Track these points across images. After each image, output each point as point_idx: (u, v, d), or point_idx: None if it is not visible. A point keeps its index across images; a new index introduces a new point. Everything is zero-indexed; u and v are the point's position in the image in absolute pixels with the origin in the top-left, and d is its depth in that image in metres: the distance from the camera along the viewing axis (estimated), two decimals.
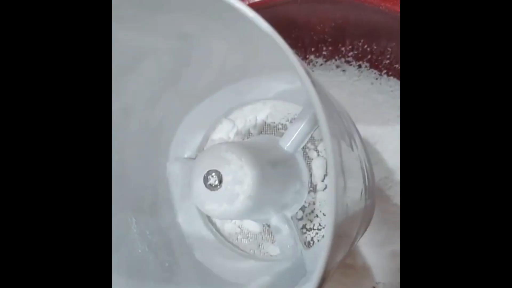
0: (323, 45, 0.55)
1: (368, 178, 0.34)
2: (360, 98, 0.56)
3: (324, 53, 0.56)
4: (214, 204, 0.32)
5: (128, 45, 0.33)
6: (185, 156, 0.43)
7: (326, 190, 0.41)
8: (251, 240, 0.42)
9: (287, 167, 0.38)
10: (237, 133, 0.43)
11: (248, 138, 0.43)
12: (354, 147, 0.32)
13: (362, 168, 0.32)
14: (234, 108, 0.44)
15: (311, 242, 0.40)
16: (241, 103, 0.43)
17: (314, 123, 0.39)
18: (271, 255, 0.42)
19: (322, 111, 0.22)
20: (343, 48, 0.55)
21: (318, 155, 0.41)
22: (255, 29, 0.24)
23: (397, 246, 0.54)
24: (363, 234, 0.42)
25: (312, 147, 0.41)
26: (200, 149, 0.44)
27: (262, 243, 0.42)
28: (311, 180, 0.41)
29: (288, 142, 0.39)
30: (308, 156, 0.41)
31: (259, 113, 0.43)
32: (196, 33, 0.33)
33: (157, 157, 0.42)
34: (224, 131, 0.44)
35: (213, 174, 0.32)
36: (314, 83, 0.24)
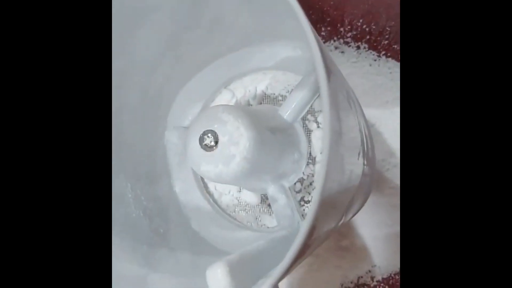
0: (321, 25, 0.54)
1: (366, 142, 0.34)
2: (358, 79, 0.56)
3: (323, 33, 0.55)
4: (210, 165, 0.32)
5: (128, 4, 0.33)
6: (184, 125, 0.43)
7: None
8: (248, 212, 0.42)
9: (286, 135, 0.37)
10: (236, 104, 0.43)
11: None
12: (353, 108, 0.31)
13: (360, 130, 0.32)
14: (234, 77, 0.43)
15: None
16: (241, 72, 0.43)
17: (315, 92, 0.39)
18: (268, 227, 0.41)
19: (323, 67, 0.21)
20: (342, 29, 0.54)
21: (318, 126, 0.41)
22: None
23: (394, 229, 0.54)
24: (359, 208, 0.42)
25: (312, 118, 0.41)
26: None
27: (259, 216, 0.42)
28: (310, 152, 0.40)
29: (288, 110, 0.38)
30: (308, 128, 0.41)
31: (259, 83, 0.43)
32: None
33: (155, 125, 0.42)
34: (223, 101, 0.43)
35: (209, 134, 0.32)
36: (318, 41, 0.23)
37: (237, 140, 0.31)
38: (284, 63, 0.41)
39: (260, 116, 0.36)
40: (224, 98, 0.43)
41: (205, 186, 0.43)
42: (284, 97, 0.42)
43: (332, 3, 0.51)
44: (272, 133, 0.35)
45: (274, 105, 0.42)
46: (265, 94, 0.43)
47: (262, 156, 0.33)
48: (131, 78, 0.38)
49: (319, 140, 0.40)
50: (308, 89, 0.38)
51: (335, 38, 0.56)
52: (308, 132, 0.41)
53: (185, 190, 0.42)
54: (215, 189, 0.42)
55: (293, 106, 0.38)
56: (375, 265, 0.54)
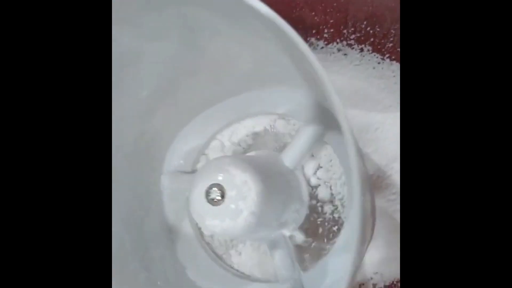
0: (324, 27, 0.53)
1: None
2: (361, 83, 0.54)
3: (326, 35, 0.54)
4: (216, 220, 0.31)
5: (127, 48, 0.32)
6: (181, 170, 0.42)
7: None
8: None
9: (288, 184, 0.37)
10: (233, 149, 0.42)
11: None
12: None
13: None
14: (232, 122, 0.42)
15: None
16: (240, 116, 0.42)
17: (315, 140, 0.38)
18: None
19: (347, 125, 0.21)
20: (345, 31, 0.53)
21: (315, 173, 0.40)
22: (262, 24, 0.23)
23: (396, 235, 0.52)
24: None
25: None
26: (195, 162, 0.42)
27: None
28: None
29: (289, 156, 0.38)
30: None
31: (257, 127, 0.42)
32: (200, 29, 0.32)
33: (151, 169, 0.41)
34: (220, 147, 0.43)
35: (216, 188, 0.31)
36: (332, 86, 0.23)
37: (245, 194, 0.31)
38: (285, 109, 0.41)
39: (264, 164, 0.36)
40: (222, 142, 0.42)
41: (202, 234, 0.41)
42: (281, 142, 0.41)
43: (335, 5, 0.51)
44: (275, 182, 0.35)
45: (274, 150, 0.41)
46: (264, 137, 0.42)
47: (268, 209, 0.32)
48: (128, 121, 0.37)
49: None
50: (308, 137, 0.38)
51: (337, 40, 0.54)
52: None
53: (182, 240, 0.41)
54: (212, 238, 0.41)
55: (294, 152, 0.38)
56: (377, 272, 0.53)
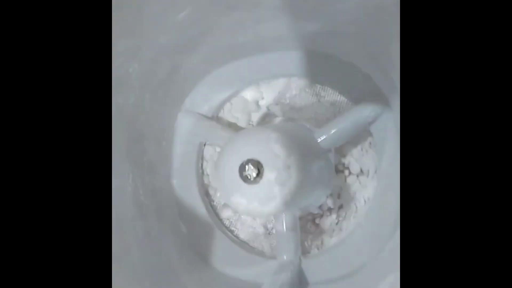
0: None
1: None
2: None
3: None
4: (243, 199, 0.27)
5: None
6: (200, 112, 0.37)
7: None
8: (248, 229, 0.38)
9: (320, 170, 0.33)
10: (260, 107, 0.38)
11: (268, 112, 0.38)
12: None
13: None
14: (265, 77, 0.37)
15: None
16: (275, 74, 0.37)
17: (364, 125, 0.34)
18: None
19: None
20: None
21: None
22: None
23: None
24: None
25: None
26: (219, 108, 0.38)
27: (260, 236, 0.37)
28: None
29: (324, 135, 0.33)
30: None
31: (290, 90, 0.38)
32: None
33: (173, 105, 0.36)
34: (249, 98, 0.38)
35: (253, 165, 0.27)
36: None
37: (284, 181, 0.27)
38: (334, 79, 0.36)
39: (305, 145, 0.32)
40: (250, 95, 0.38)
41: (206, 193, 0.38)
42: (319, 114, 0.37)
43: None
44: (312, 169, 0.31)
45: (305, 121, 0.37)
46: (298, 104, 0.38)
47: (299, 199, 0.29)
48: (170, 55, 0.32)
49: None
50: (357, 119, 0.34)
51: None
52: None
53: (182, 185, 0.37)
54: (216, 194, 0.38)
55: (332, 132, 0.34)
56: None
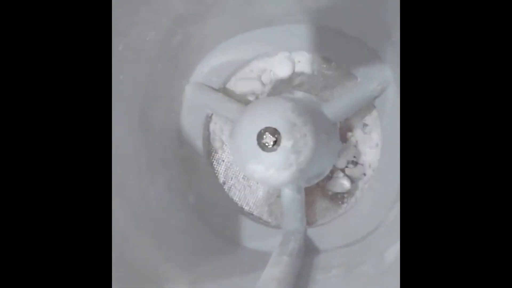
0: None
1: None
2: None
3: None
4: (260, 165, 0.28)
5: None
6: (208, 84, 0.38)
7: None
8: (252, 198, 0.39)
9: (328, 141, 0.34)
10: (267, 79, 0.38)
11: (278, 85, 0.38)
12: None
13: None
14: (272, 51, 0.38)
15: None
16: (282, 48, 0.38)
17: (369, 99, 0.35)
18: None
19: None
20: None
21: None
22: None
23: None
24: None
25: None
26: (226, 80, 0.38)
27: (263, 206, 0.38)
28: None
29: (333, 109, 0.34)
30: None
31: (297, 64, 0.38)
32: None
33: (180, 76, 0.36)
34: (258, 70, 0.38)
35: (271, 133, 0.28)
36: None
37: (300, 149, 0.28)
38: (343, 53, 0.37)
39: (317, 116, 0.33)
40: (257, 67, 0.38)
41: (210, 158, 0.38)
42: (325, 87, 0.38)
43: None
44: (323, 139, 0.32)
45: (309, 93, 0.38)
46: (306, 75, 0.38)
47: (311, 167, 0.30)
48: (184, 25, 0.32)
49: None
50: (364, 93, 0.35)
51: None
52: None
53: (190, 157, 0.38)
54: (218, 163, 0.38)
55: (338, 106, 0.35)
56: None
